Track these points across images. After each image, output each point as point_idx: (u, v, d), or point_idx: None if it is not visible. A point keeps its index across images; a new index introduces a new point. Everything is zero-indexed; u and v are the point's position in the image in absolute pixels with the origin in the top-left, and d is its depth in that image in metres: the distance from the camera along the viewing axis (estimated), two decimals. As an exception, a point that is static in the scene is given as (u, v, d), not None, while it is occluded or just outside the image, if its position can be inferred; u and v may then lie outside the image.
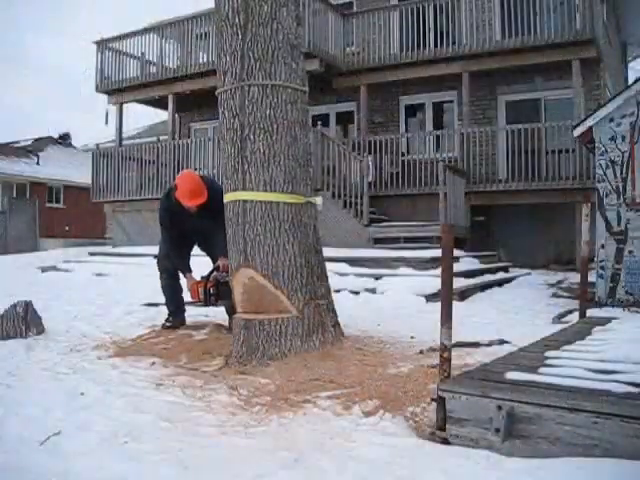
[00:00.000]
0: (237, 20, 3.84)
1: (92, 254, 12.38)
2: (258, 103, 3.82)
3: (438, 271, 6.83)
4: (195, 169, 12.47)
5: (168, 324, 4.85)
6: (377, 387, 3.02)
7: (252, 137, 3.82)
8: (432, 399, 2.55)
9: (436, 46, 11.16)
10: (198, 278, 4.74)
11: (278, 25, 3.86)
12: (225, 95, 3.94)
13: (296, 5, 4.04)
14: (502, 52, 10.62)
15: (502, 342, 4.16)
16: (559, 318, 5.63)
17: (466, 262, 8.58)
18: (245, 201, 3.82)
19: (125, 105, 13.96)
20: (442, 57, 11.10)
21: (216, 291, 4.53)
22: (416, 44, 11.29)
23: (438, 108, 12.56)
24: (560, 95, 10.96)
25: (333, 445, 2.35)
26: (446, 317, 2.47)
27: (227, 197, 3.96)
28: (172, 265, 4.89)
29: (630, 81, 13.77)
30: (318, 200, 4.13)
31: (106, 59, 13.55)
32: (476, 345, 4.07)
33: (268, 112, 3.83)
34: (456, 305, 4.88)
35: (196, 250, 5.13)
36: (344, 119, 13.44)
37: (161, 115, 15.86)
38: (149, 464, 2.18)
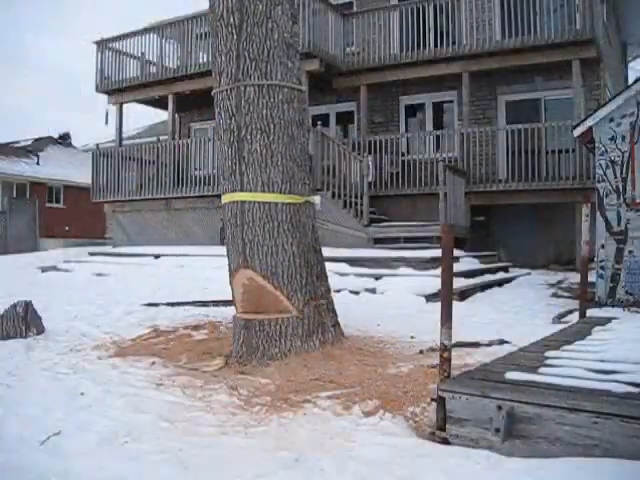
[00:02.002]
0: (232, 20, 3.82)
1: (92, 254, 12.38)
2: (254, 103, 3.81)
3: (438, 271, 6.83)
4: (195, 169, 12.50)
5: None
6: (377, 387, 3.02)
7: (249, 138, 3.80)
8: (432, 399, 2.55)
9: (436, 46, 11.15)
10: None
11: (273, 24, 3.83)
12: (221, 96, 3.92)
13: (291, 3, 4.01)
14: (502, 52, 10.62)
15: (502, 342, 4.16)
16: (559, 318, 5.63)
17: (466, 262, 8.57)
18: (243, 202, 3.81)
19: (125, 105, 13.96)
20: (442, 57, 11.09)
21: None
22: (416, 44, 11.28)
23: (438, 108, 12.55)
24: (560, 95, 10.95)
25: (333, 445, 2.35)
26: (446, 317, 2.47)
27: (225, 198, 3.95)
28: None
29: (630, 81, 13.76)
30: (316, 199, 4.13)
31: (106, 59, 13.55)
32: (476, 345, 4.07)
33: (265, 112, 3.81)
34: (456, 305, 4.87)
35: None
36: (344, 119, 13.43)
37: (161, 115, 15.86)
38: (149, 464, 2.18)
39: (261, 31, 3.81)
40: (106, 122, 13.65)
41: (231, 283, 3.95)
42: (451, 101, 12.26)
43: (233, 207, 3.87)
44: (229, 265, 3.98)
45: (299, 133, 3.97)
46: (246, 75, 3.81)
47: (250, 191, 3.80)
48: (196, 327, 4.81)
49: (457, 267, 7.35)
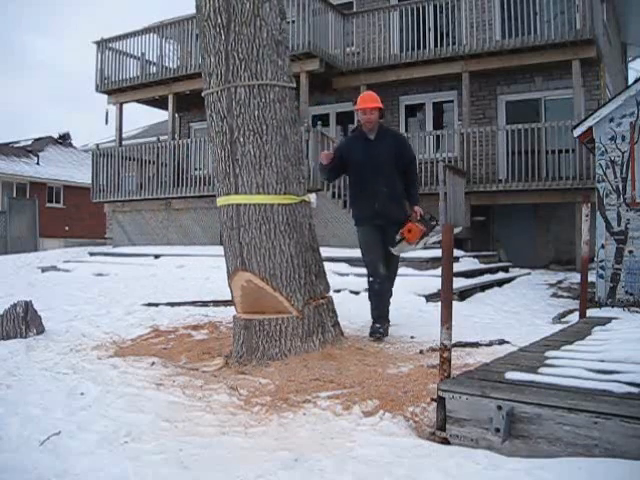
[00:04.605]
0: (219, 20, 3.77)
1: (92, 254, 12.37)
2: (246, 104, 3.77)
3: (438, 271, 6.83)
4: (195, 169, 12.49)
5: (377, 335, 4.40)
6: (377, 387, 3.02)
7: (242, 139, 3.77)
8: (432, 399, 2.55)
9: (436, 46, 11.16)
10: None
11: (261, 22, 3.79)
12: (212, 97, 3.88)
13: None
14: (502, 52, 10.62)
15: (502, 342, 4.16)
16: (559, 318, 5.63)
17: (466, 262, 8.57)
18: (239, 205, 3.79)
19: (125, 105, 13.97)
20: (442, 57, 11.10)
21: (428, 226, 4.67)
22: (416, 44, 11.28)
23: (438, 108, 12.56)
24: (560, 95, 10.96)
25: (333, 445, 2.35)
26: (446, 317, 2.47)
27: (220, 201, 3.93)
28: (383, 268, 4.64)
29: (630, 81, 13.77)
30: (312, 198, 4.11)
31: (106, 59, 13.55)
32: (476, 345, 4.07)
33: (256, 113, 3.78)
34: (456, 305, 4.87)
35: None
36: (344, 119, 13.43)
37: (161, 115, 15.86)
38: (149, 464, 2.18)
39: (249, 30, 3.75)
40: (106, 122, 13.66)
41: (230, 285, 3.95)
42: (451, 101, 12.26)
43: (228, 210, 3.85)
44: (227, 267, 3.98)
45: (292, 132, 3.94)
46: (236, 76, 3.76)
47: (245, 193, 3.77)
48: (196, 327, 4.81)
49: (457, 267, 7.34)
